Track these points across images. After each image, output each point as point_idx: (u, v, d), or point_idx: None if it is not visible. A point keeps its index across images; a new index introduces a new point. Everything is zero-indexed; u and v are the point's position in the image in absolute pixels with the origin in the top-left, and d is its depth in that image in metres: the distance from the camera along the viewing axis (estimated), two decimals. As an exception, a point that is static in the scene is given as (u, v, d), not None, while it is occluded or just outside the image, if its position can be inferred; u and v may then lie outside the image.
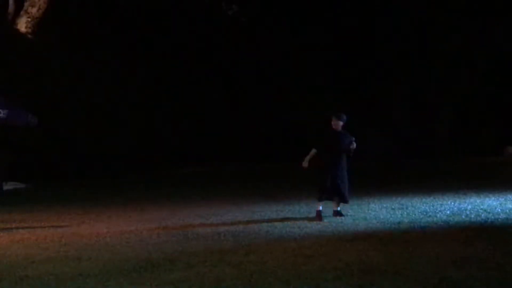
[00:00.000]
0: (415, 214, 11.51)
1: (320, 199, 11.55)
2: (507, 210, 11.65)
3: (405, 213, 11.73)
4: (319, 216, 11.34)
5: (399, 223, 10.59)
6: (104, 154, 24.15)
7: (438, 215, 11.30)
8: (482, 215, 11.22)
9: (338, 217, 11.31)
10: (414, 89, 27.73)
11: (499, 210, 11.74)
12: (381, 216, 11.36)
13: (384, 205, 12.74)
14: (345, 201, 11.64)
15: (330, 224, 10.70)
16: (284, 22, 27.33)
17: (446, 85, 27.58)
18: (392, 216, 11.40)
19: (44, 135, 22.23)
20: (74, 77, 25.10)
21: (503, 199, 13.25)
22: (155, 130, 26.38)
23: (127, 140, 25.30)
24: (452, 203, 12.83)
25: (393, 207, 12.56)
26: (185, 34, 27.24)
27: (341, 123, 11.56)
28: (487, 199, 13.37)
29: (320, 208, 11.52)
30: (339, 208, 11.61)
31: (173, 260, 8.01)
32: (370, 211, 12.05)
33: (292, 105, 27.25)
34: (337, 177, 11.42)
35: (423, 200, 13.55)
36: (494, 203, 12.66)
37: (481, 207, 12.19)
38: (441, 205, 12.67)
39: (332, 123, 11.59)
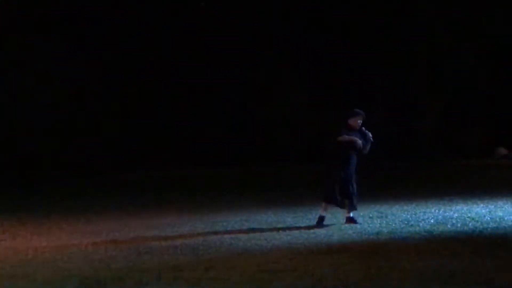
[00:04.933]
0: (395, 224, 11.62)
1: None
2: (497, 219, 11.83)
3: (384, 222, 11.83)
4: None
5: (377, 233, 10.69)
6: (43, 157, 23.82)
7: (420, 225, 11.42)
8: (470, 224, 11.37)
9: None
10: (394, 82, 27.82)
11: (488, 218, 11.92)
12: (358, 226, 11.44)
13: (361, 213, 12.80)
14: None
15: (300, 235, 10.75)
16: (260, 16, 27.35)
17: (430, 79, 27.77)
18: (370, 225, 11.50)
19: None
20: (25, 70, 24.61)
21: (492, 206, 13.42)
22: (102, 130, 26.05)
23: (70, 142, 24.99)
24: (437, 211, 12.97)
25: (370, 215, 12.65)
26: (147, 27, 26.94)
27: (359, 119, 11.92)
28: (475, 206, 13.53)
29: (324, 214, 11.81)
30: (351, 214, 11.84)
31: (123, 277, 7.98)
32: (345, 220, 12.12)
33: (259, 102, 27.26)
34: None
35: (404, 207, 13.67)
36: (483, 211, 12.83)
37: (469, 215, 12.35)
38: (424, 213, 12.80)
39: (352, 122, 11.92)
